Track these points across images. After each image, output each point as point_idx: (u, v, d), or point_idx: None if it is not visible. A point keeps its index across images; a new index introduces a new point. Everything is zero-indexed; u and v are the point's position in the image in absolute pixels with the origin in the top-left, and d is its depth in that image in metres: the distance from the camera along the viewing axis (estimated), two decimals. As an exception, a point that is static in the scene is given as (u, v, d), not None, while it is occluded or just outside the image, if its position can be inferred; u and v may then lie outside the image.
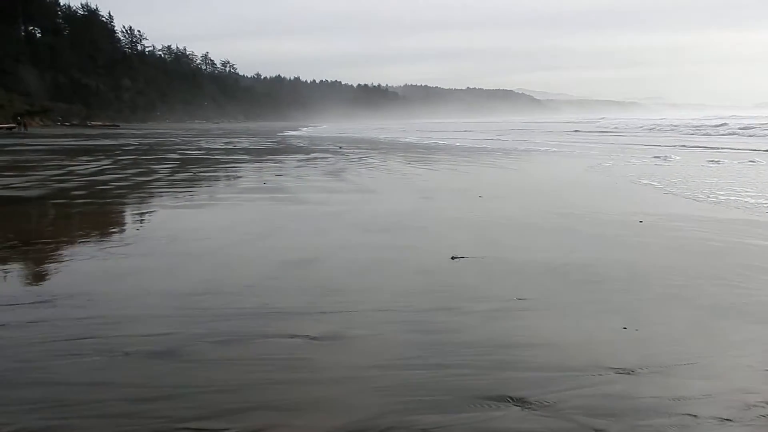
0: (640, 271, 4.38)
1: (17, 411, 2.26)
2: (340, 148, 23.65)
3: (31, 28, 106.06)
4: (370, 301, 3.62)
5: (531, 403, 2.37)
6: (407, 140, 32.72)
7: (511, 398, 2.41)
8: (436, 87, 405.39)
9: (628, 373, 2.64)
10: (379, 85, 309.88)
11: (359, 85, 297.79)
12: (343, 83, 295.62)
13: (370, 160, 16.42)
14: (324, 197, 8.67)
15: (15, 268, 4.57)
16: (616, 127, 46.16)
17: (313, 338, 3.01)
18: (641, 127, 43.51)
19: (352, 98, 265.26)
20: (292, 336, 3.04)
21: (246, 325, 3.20)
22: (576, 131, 41.65)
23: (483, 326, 3.25)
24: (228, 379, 2.55)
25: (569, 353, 2.87)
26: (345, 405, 2.33)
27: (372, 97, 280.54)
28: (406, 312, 3.43)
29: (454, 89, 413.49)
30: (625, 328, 3.20)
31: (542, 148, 22.56)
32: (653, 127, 41.82)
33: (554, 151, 20.98)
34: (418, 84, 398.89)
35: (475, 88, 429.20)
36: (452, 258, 4.73)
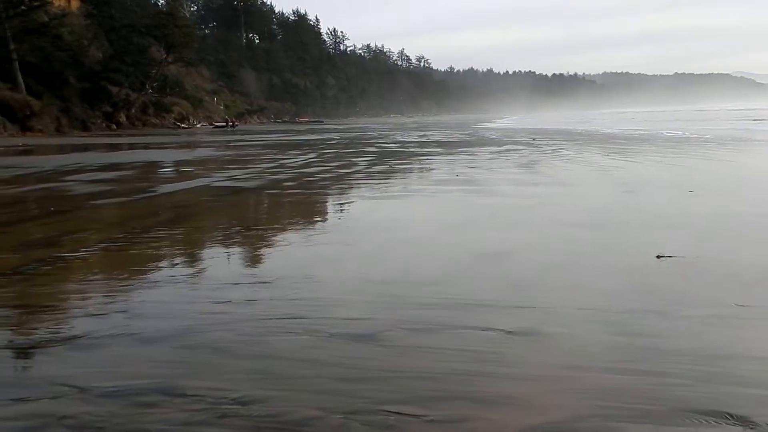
0: None
1: (240, 380, 2.53)
2: (534, 139, 23.03)
3: (251, 35, 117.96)
4: (568, 299, 3.48)
5: (757, 424, 2.10)
6: (606, 131, 30.91)
7: (730, 415, 2.16)
8: (639, 73, 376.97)
9: None
10: (575, 74, 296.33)
11: (554, 74, 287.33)
12: (537, 73, 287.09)
13: (565, 152, 15.78)
14: (517, 190, 8.52)
15: (238, 251, 5.14)
16: None
17: (508, 332, 2.97)
18: None
19: (547, 88, 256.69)
20: (486, 329, 3.02)
21: (440, 315, 3.25)
22: (812, 116, 36.14)
23: (695, 333, 2.96)
24: (424, 366, 2.61)
25: (805, 372, 2.50)
26: (541, 404, 2.26)
27: (568, 86, 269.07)
28: (606, 312, 3.24)
29: (660, 75, 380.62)
30: None
31: (766, 138, 19.93)
32: None
33: (783, 139, 18.42)
34: (619, 71, 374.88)
35: (683, 74, 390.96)
36: (658, 257, 4.37)
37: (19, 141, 31.22)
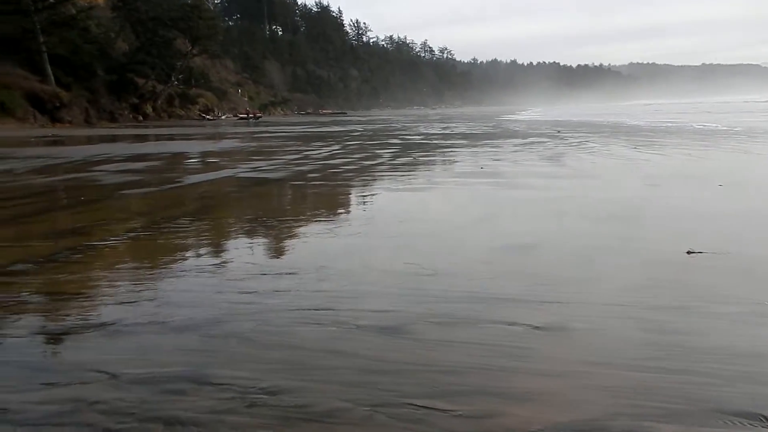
0: None
1: (267, 370, 2.55)
2: (558, 132, 22.79)
3: (274, 27, 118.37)
4: (595, 294, 3.44)
5: (792, 425, 2.06)
6: (632, 123, 30.47)
7: (765, 417, 2.12)
8: (666, 64, 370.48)
9: None
10: (600, 65, 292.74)
11: (579, 65, 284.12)
12: (561, 64, 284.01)
13: (591, 145, 15.59)
14: (542, 182, 8.43)
15: (263, 242, 5.18)
16: None
17: (535, 327, 2.94)
18: None
19: (571, 79, 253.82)
20: (513, 323, 3.00)
21: (466, 309, 3.24)
22: None
23: (728, 331, 2.90)
24: (451, 360, 2.60)
25: (843, 372, 2.44)
26: (571, 400, 2.24)
27: (592, 77, 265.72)
28: (635, 308, 3.19)
29: (686, 66, 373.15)
30: None
31: (801, 130, 19.46)
32: None
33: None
34: (644, 62, 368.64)
35: (711, 64, 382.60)
36: (688, 252, 4.29)
37: (49, 132, 31.77)
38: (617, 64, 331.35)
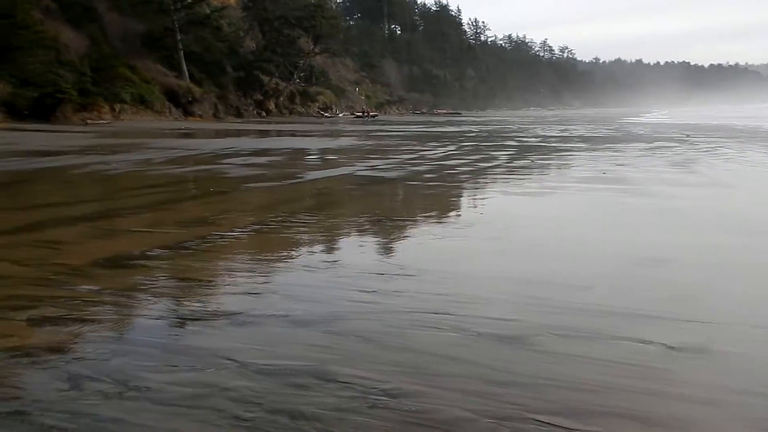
0: None
1: (389, 372, 2.54)
2: (688, 136, 21.34)
3: (393, 26, 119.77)
4: (741, 314, 3.15)
5: None
6: (774, 128, 27.93)
7: None
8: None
9: None
10: (736, 64, 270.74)
11: (711, 65, 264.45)
12: (691, 64, 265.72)
13: (725, 150, 14.45)
14: (671, 190, 7.91)
15: (381, 241, 5.22)
16: None
17: (671, 348, 2.74)
18: None
19: (703, 80, 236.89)
20: (646, 342, 2.81)
21: (592, 322, 3.08)
22: None
23: None
24: (577, 376, 2.48)
25: None
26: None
27: (727, 78, 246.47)
28: (788, 335, 2.90)
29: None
30: None
31: None
32: None
33: None
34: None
35: None
36: None
37: (182, 125, 34.11)
38: (755, 64, 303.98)
